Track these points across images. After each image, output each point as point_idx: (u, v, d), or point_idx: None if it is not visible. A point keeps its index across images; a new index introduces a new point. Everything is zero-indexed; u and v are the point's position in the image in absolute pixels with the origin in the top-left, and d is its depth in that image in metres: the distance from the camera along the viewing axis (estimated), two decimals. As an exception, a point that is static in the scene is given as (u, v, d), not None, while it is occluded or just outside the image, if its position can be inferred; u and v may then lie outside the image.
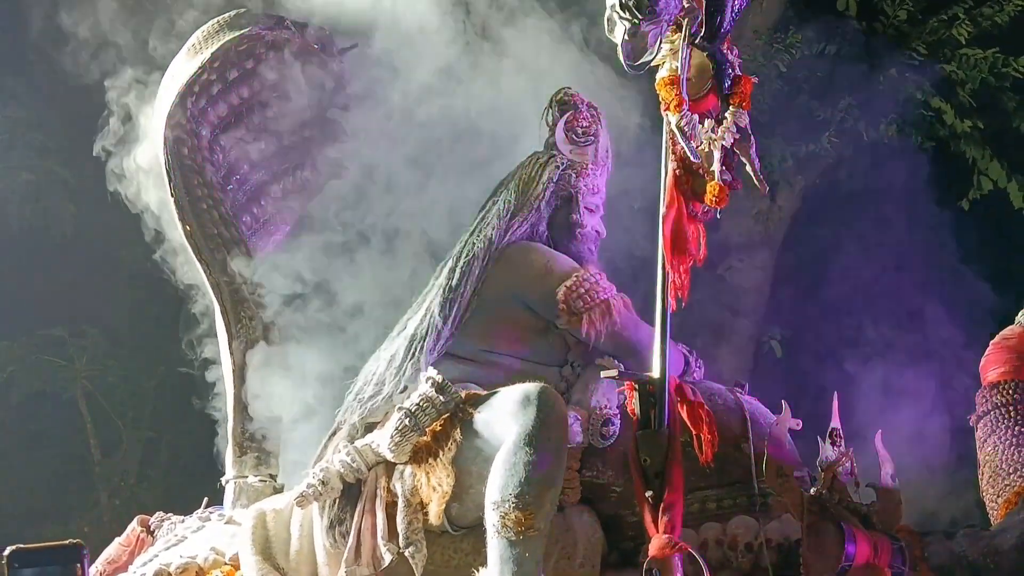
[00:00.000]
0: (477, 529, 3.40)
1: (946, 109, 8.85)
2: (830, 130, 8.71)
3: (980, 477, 3.90)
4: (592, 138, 3.99)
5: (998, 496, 3.74)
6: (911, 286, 9.00)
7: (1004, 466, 3.80)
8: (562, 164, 3.94)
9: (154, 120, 4.18)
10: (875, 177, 8.91)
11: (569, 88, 4.05)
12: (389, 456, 3.52)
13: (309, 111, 4.48)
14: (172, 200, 4.12)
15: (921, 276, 9.07)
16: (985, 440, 3.92)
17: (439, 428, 3.52)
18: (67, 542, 2.42)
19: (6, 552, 1.18)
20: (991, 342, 4.05)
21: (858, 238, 8.95)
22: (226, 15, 4.27)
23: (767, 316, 9.27)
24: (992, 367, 4.00)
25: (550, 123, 4.00)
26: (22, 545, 1.20)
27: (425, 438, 3.51)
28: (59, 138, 9.11)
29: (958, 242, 9.52)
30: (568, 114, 3.98)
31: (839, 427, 3.28)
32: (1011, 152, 9.02)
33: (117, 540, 3.98)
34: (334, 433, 3.73)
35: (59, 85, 7.52)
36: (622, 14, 3.04)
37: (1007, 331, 4.04)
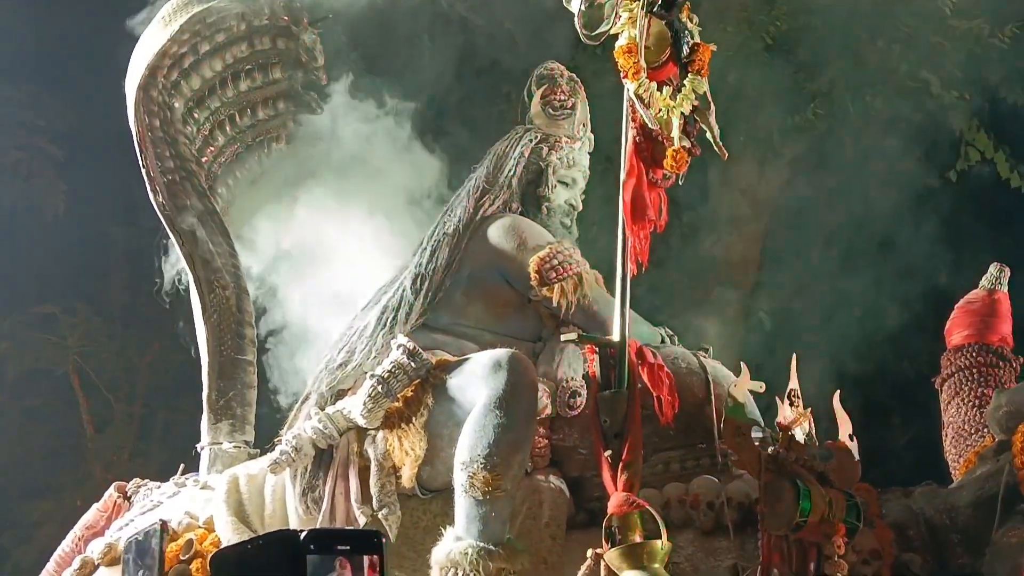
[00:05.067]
0: (446, 491, 3.46)
1: (933, 80, 8.83)
2: (816, 102, 8.71)
3: (944, 437, 3.96)
4: (569, 111, 4.02)
5: (960, 456, 3.81)
6: (897, 258, 9.04)
7: (967, 426, 3.87)
8: (536, 138, 3.97)
9: (126, 92, 4.21)
10: (862, 149, 8.92)
11: (551, 61, 4.08)
12: (361, 422, 3.58)
13: (283, 83, 4.52)
14: (144, 171, 4.16)
15: (907, 248, 9.11)
16: (949, 402, 3.99)
17: (411, 394, 3.57)
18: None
19: (302, 535, 1.18)
20: (956, 306, 4.11)
21: (846, 210, 8.96)
22: (196, -13, 4.30)
23: (756, 288, 9.30)
24: (956, 331, 4.05)
25: (527, 97, 4.04)
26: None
27: (397, 404, 3.57)
28: (50, 116, 9.15)
29: (945, 213, 9.55)
30: (545, 87, 4.02)
31: (797, 388, 3.32)
32: (998, 123, 9.01)
33: (95, 506, 4.05)
34: (304, 401, 3.79)
35: (49, 64, 7.56)
36: (580, -18, 3.07)
37: (971, 295, 4.09)
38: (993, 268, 4.10)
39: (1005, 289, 4.06)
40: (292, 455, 3.61)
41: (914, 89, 8.85)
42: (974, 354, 3.96)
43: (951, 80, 8.83)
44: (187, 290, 4.47)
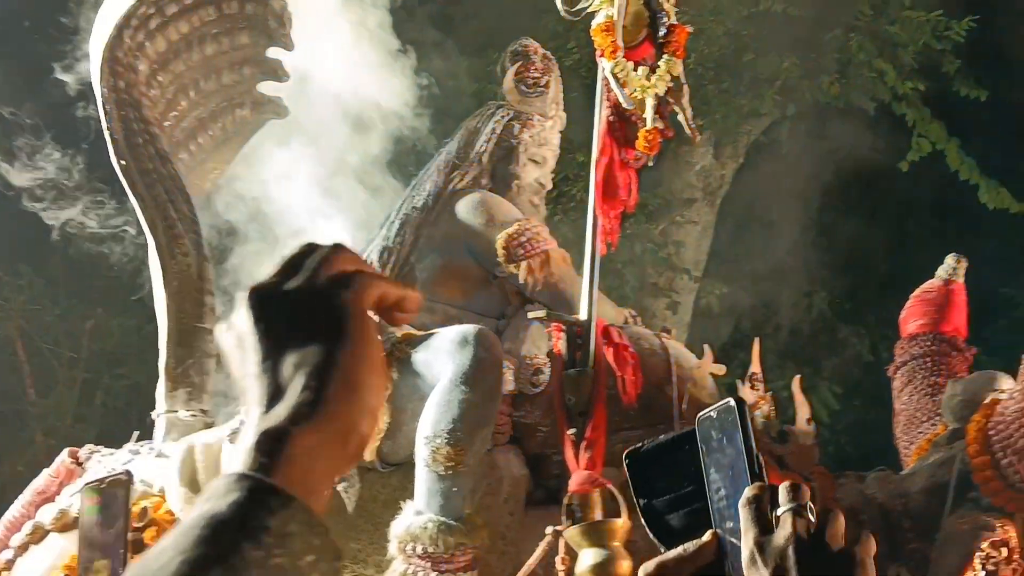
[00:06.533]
0: (406, 465, 3.46)
1: (888, 70, 8.93)
2: (774, 88, 8.78)
3: (895, 424, 4.03)
4: (542, 89, 4.00)
5: (911, 443, 3.87)
6: (848, 243, 9.17)
7: (919, 414, 3.93)
8: (507, 115, 3.96)
9: (91, 52, 4.13)
10: (817, 136, 9.00)
11: (526, 38, 4.07)
12: (322, 394, 3.55)
13: (249, 49, 4.45)
14: (107, 134, 4.09)
15: (858, 234, 9.23)
16: (902, 389, 4.05)
17: (375, 367, 3.55)
18: None
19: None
20: (912, 295, 4.17)
21: (799, 196, 9.05)
22: (164, -51, 4.22)
23: (706, 271, 9.38)
24: (912, 319, 4.12)
25: (501, 73, 4.02)
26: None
27: (359, 377, 3.55)
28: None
29: (896, 201, 9.70)
30: (519, 64, 4.00)
31: (759, 372, 3.37)
32: (950, 115, 9.13)
33: (46, 471, 3.99)
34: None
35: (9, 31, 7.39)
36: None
37: (927, 285, 4.15)
38: (950, 259, 4.16)
39: (961, 280, 4.13)
40: (251, 425, 3.58)
41: (869, 78, 8.94)
42: (928, 343, 4.03)
43: (906, 71, 8.94)
44: (133, 256, 4.41)
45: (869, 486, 3.45)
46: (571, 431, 3.14)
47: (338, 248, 0.95)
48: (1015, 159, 9.08)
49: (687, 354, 3.72)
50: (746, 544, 1.07)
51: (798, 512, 1.08)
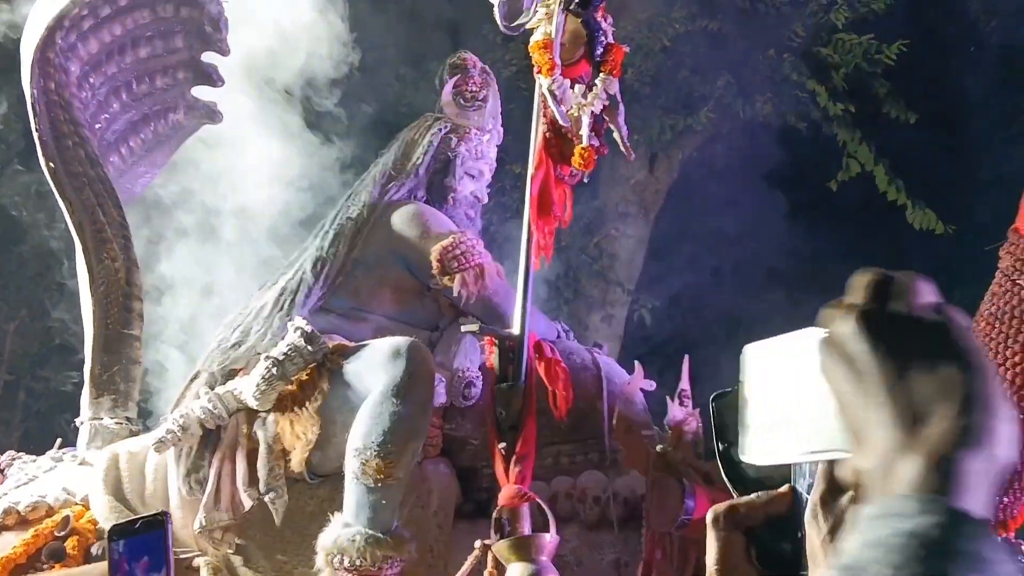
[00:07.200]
0: (334, 477, 3.44)
1: (820, 91, 9.09)
2: (708, 105, 8.89)
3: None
4: (480, 103, 4.01)
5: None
6: (778, 261, 9.29)
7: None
8: (445, 127, 3.96)
9: (22, 53, 4.06)
10: (749, 154, 9.13)
11: (464, 52, 4.07)
12: (253, 404, 3.52)
13: (184, 53, 4.41)
14: (36, 136, 4.01)
15: (788, 252, 9.37)
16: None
17: (306, 377, 3.53)
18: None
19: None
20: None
21: (731, 212, 9.17)
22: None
23: (640, 285, 9.45)
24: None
25: (439, 86, 4.02)
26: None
27: (291, 387, 3.53)
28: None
29: (825, 221, 9.85)
30: (457, 77, 4.00)
31: (688, 388, 3.39)
32: (879, 137, 9.32)
33: (-35, 478, 3.90)
34: (193, 379, 3.71)
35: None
36: (499, -25, 3.08)
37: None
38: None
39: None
40: (178, 434, 3.54)
41: (802, 99, 9.09)
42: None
43: (838, 93, 9.10)
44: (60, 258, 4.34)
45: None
46: (501, 445, 3.14)
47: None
48: (941, 181, 9.29)
49: (618, 370, 3.75)
50: (812, 498, 1.08)
51: None
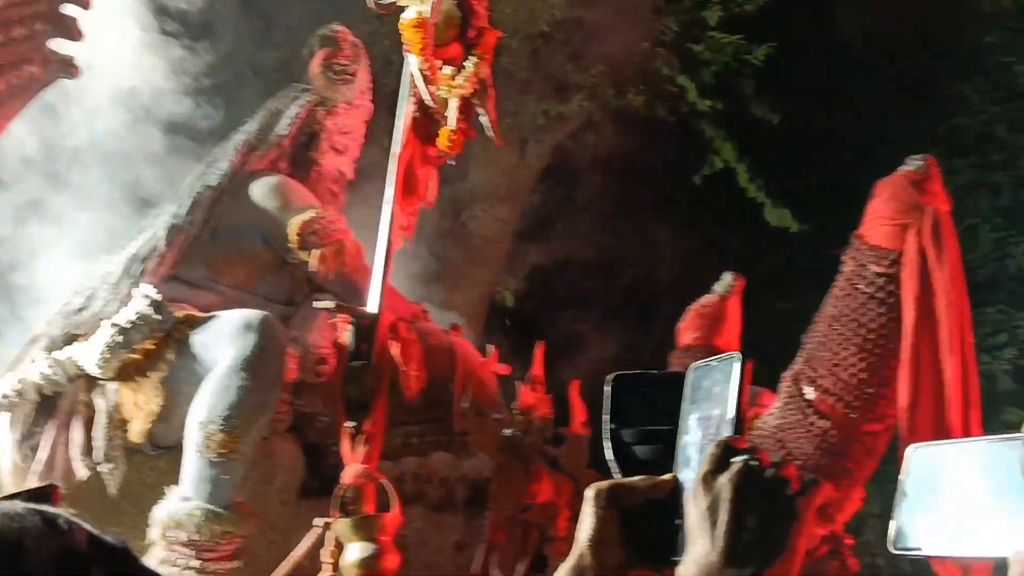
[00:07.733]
0: (175, 449, 3.37)
1: (690, 87, 9.25)
2: (582, 94, 8.96)
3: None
4: (349, 77, 3.95)
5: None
6: (639, 250, 9.46)
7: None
8: (313, 100, 3.90)
9: None
10: (619, 143, 9.24)
11: (336, 24, 4.00)
12: (95, 371, 3.42)
13: (43, 4, 4.21)
14: None
15: (649, 242, 9.54)
16: (674, 399, 4.21)
17: (151, 346, 3.45)
18: None
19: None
20: (689, 308, 4.35)
21: (597, 199, 9.28)
22: None
23: (504, 267, 9.50)
24: (687, 332, 4.29)
25: (307, 56, 3.95)
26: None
27: (135, 355, 3.44)
28: None
29: (688, 213, 10.06)
30: (328, 50, 3.93)
31: (540, 374, 3.44)
32: (743, 135, 9.54)
33: None
34: (32, 343, 3.58)
35: None
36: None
37: (704, 299, 4.34)
38: (728, 276, 4.36)
39: (736, 296, 4.33)
40: (14, 399, 3.42)
41: (671, 93, 9.25)
42: (701, 355, 4.19)
43: (706, 89, 9.29)
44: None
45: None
46: (350, 423, 3.12)
47: None
48: (799, 182, 9.57)
49: (473, 352, 3.77)
50: (696, 476, 1.08)
51: (751, 461, 1.09)
